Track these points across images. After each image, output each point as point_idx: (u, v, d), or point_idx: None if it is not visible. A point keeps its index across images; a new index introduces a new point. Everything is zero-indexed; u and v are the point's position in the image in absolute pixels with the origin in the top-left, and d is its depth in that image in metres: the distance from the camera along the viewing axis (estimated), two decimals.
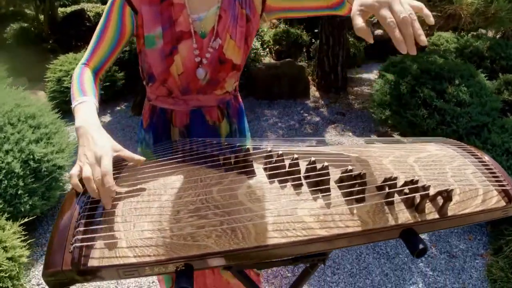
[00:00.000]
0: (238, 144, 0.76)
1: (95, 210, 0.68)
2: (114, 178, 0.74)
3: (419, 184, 0.62)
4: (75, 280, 0.63)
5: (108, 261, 0.61)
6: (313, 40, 5.46)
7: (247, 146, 0.74)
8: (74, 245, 0.61)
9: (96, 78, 0.86)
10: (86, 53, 0.87)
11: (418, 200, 0.62)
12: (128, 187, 0.73)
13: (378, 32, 5.36)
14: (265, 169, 0.73)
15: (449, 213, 0.64)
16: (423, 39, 0.51)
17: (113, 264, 0.61)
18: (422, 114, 2.90)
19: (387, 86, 3.28)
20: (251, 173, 0.72)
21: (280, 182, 0.69)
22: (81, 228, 0.64)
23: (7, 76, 3.48)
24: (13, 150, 1.89)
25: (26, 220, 1.80)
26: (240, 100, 1.13)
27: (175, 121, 1.01)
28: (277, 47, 5.51)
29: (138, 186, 0.73)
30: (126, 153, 0.70)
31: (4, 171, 1.80)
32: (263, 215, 0.62)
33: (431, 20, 0.54)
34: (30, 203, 1.90)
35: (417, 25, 0.52)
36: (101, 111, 3.94)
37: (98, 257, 0.62)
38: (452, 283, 1.84)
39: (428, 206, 0.63)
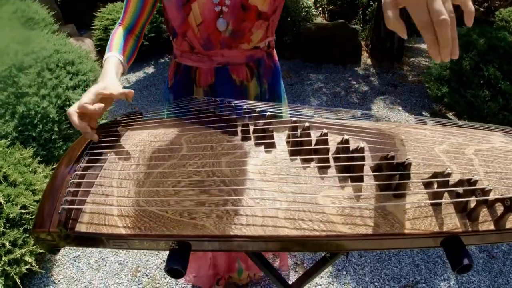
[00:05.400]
0: (259, 109, 0.64)
1: (92, 169, 0.61)
2: (118, 135, 0.67)
3: (478, 186, 0.48)
4: (64, 244, 0.58)
5: (96, 228, 0.54)
6: (371, 2, 5.00)
7: (270, 113, 0.63)
8: (62, 206, 0.55)
9: (130, 35, 0.88)
10: (122, 13, 0.89)
11: (472, 205, 0.49)
12: (131, 147, 0.65)
13: None
14: (288, 142, 0.61)
15: (507, 226, 0.50)
16: (456, 52, 0.44)
17: (101, 232, 0.54)
18: (483, 96, 2.59)
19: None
20: (270, 146, 0.61)
21: (303, 160, 0.58)
22: (72, 189, 0.57)
23: (54, 22, 3.51)
24: (49, 96, 1.90)
25: None
26: (276, 59, 1.01)
27: (199, 81, 0.94)
28: (331, 6, 5.11)
29: (142, 148, 0.65)
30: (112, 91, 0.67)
31: (39, 115, 1.82)
32: (275, 199, 0.52)
33: (470, 22, 0.45)
34: (64, 148, 1.94)
35: (455, 29, 0.44)
36: (145, 62, 3.94)
37: (86, 222, 0.55)
38: (486, 286, 1.67)
39: (483, 213, 0.50)
